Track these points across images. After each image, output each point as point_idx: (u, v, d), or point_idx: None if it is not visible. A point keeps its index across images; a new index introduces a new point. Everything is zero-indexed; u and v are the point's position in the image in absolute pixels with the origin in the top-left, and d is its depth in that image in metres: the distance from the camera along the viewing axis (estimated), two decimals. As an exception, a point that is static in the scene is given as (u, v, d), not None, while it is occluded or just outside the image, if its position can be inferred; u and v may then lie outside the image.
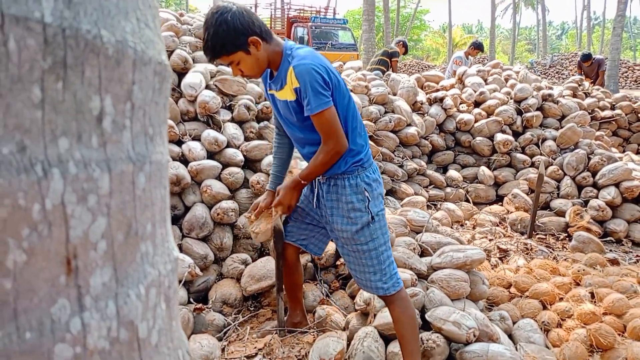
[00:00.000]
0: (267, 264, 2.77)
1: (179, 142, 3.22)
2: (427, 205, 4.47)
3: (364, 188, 1.96)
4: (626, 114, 7.22)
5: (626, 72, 24.13)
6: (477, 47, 8.16)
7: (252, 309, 2.78)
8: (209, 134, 3.16)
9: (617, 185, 4.29)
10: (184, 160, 3.12)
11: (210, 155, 3.19)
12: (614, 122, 7.12)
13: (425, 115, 5.15)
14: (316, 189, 2.09)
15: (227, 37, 1.76)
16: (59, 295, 0.39)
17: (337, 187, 1.99)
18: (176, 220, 3.00)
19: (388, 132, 4.63)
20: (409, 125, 4.83)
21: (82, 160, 0.40)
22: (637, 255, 3.79)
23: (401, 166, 4.62)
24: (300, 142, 2.07)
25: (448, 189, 4.85)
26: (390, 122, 4.63)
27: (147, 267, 0.47)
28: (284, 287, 2.42)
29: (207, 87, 3.48)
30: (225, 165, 3.16)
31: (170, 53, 3.57)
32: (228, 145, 3.23)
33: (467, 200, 4.81)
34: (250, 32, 1.80)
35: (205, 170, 3.01)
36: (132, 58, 0.44)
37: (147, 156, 0.47)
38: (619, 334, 2.39)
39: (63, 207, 0.39)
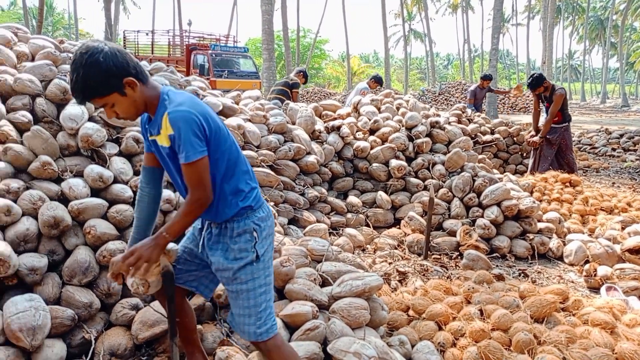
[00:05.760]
0: (161, 308, 2.59)
1: (59, 180, 2.94)
2: (330, 232, 4.52)
3: (253, 228, 1.94)
4: (504, 138, 7.98)
5: (503, 99, 26.94)
6: (377, 81, 8.56)
7: (144, 358, 2.57)
8: (93, 169, 2.92)
9: (499, 204, 4.66)
10: (64, 199, 2.85)
11: (95, 192, 2.95)
12: (494, 146, 7.83)
13: (324, 143, 5.25)
14: (204, 232, 2.02)
15: (99, 78, 1.68)
16: None
17: (227, 229, 1.94)
18: (55, 266, 2.71)
19: (288, 161, 4.64)
20: (308, 153, 4.89)
21: None
22: (520, 269, 4.12)
23: (302, 194, 4.63)
24: (182, 189, 1.98)
25: (349, 215, 4.95)
26: (290, 151, 4.64)
27: None
28: (178, 332, 2.26)
29: (91, 118, 3.25)
30: (112, 202, 2.93)
31: (47, 83, 3.29)
32: (115, 181, 3.01)
33: (368, 225, 4.93)
34: (125, 73, 1.73)
35: (88, 210, 2.77)
36: None
37: None
38: (506, 348, 2.55)
39: None
